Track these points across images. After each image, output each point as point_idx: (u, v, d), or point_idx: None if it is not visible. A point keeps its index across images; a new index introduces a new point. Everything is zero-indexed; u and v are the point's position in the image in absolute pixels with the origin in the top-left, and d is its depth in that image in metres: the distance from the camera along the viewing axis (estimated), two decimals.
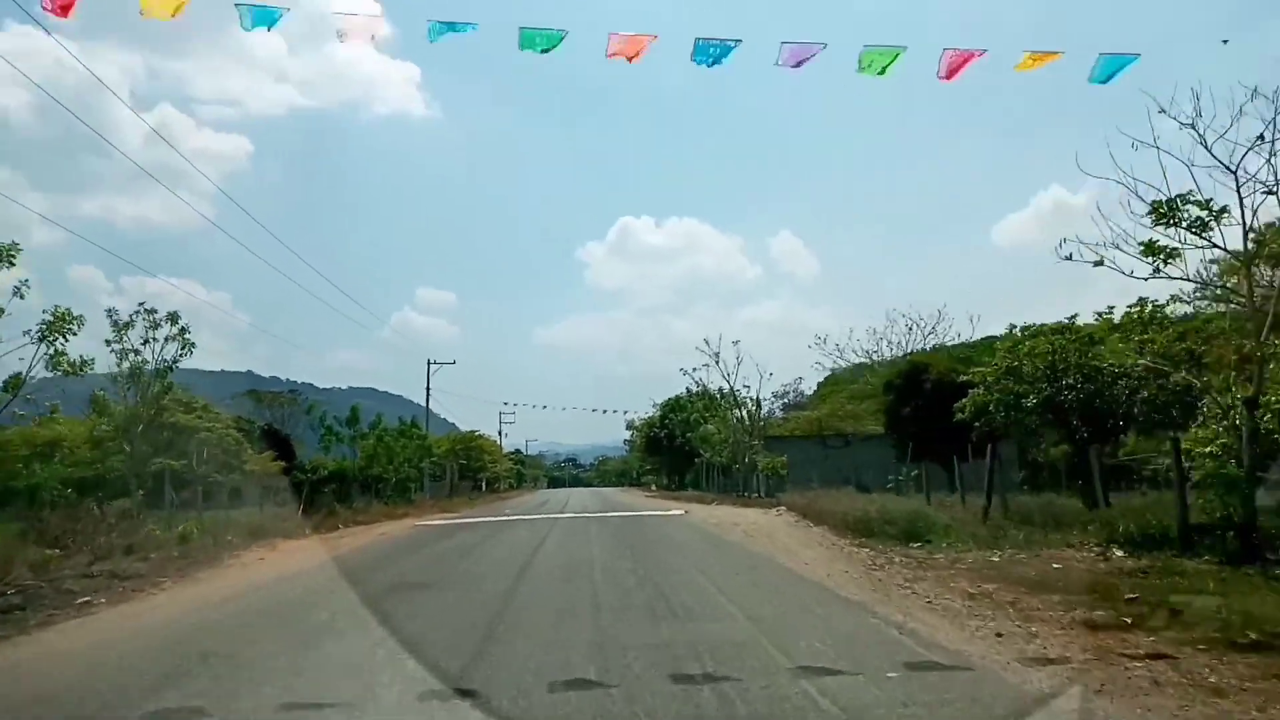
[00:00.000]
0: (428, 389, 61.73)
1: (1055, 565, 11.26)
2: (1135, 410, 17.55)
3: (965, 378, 20.69)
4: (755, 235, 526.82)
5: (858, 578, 10.93)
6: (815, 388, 74.95)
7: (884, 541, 14.98)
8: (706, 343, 39.00)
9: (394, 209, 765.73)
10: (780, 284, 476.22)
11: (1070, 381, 17.64)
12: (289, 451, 47.17)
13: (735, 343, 39.07)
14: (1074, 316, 18.42)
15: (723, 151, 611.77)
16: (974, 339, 47.00)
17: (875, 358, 49.97)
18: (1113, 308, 18.24)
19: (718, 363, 38.82)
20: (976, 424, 19.35)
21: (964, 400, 19.35)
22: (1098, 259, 12.60)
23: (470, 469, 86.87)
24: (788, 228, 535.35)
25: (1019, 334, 19.28)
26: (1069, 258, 12.95)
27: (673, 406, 64.23)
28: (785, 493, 34.60)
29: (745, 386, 39.32)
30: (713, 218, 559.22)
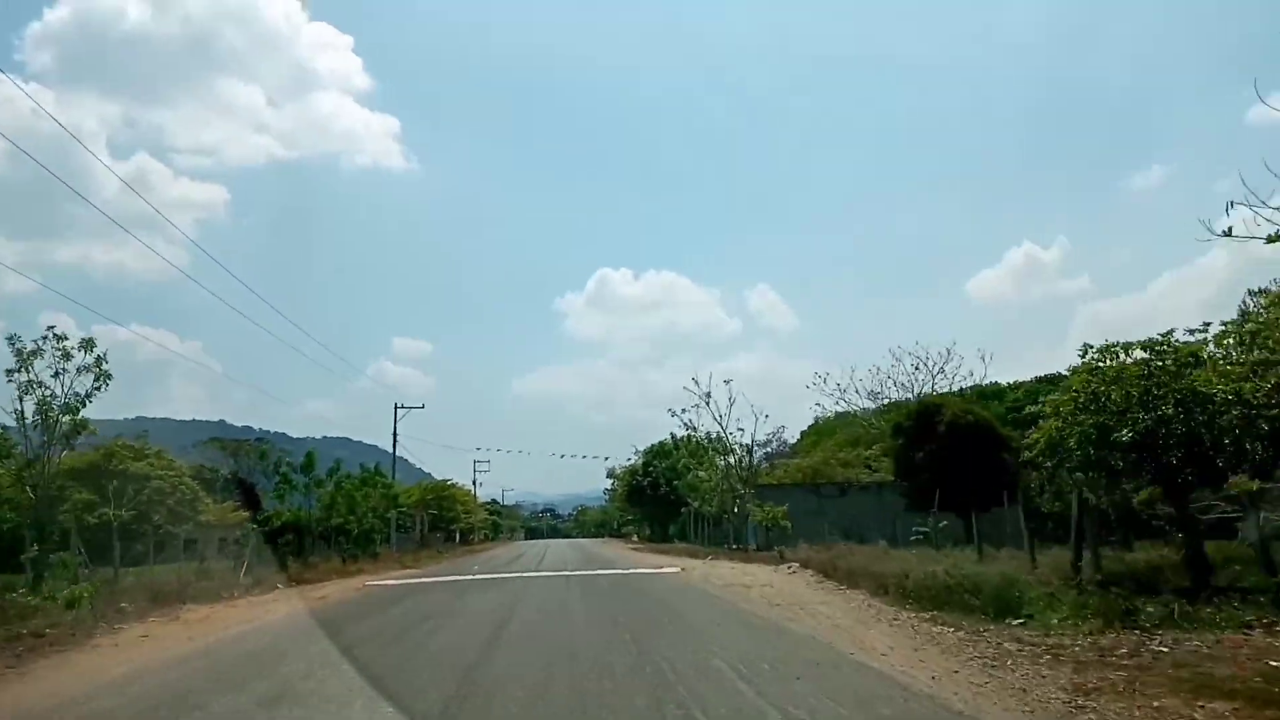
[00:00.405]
0: (395, 434, 57.46)
1: (1273, 662, 7.52)
2: (1248, 445, 14.07)
3: (1034, 408, 17.17)
4: (733, 288, 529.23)
5: (985, 686, 7.12)
6: (799, 436, 71.52)
7: (963, 615, 11.17)
8: (696, 382, 35.30)
9: (371, 259, 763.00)
10: (759, 337, 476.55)
11: (1168, 411, 14.11)
12: (255, 501, 43.21)
13: (728, 382, 35.40)
14: (1169, 332, 14.89)
15: (701, 205, 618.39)
16: (985, 381, 43.62)
17: (879, 399, 46.01)
18: (1208, 324, 14.89)
19: (708, 403, 35.14)
20: (1047, 464, 15.73)
21: (1034, 434, 15.72)
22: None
23: (443, 520, 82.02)
24: (765, 281, 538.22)
25: (1093, 355, 15.72)
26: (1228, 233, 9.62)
27: (657, 453, 60.21)
28: (787, 546, 30.78)
29: (739, 429, 35.63)
30: (690, 271, 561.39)
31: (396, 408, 57.17)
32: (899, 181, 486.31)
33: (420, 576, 25.32)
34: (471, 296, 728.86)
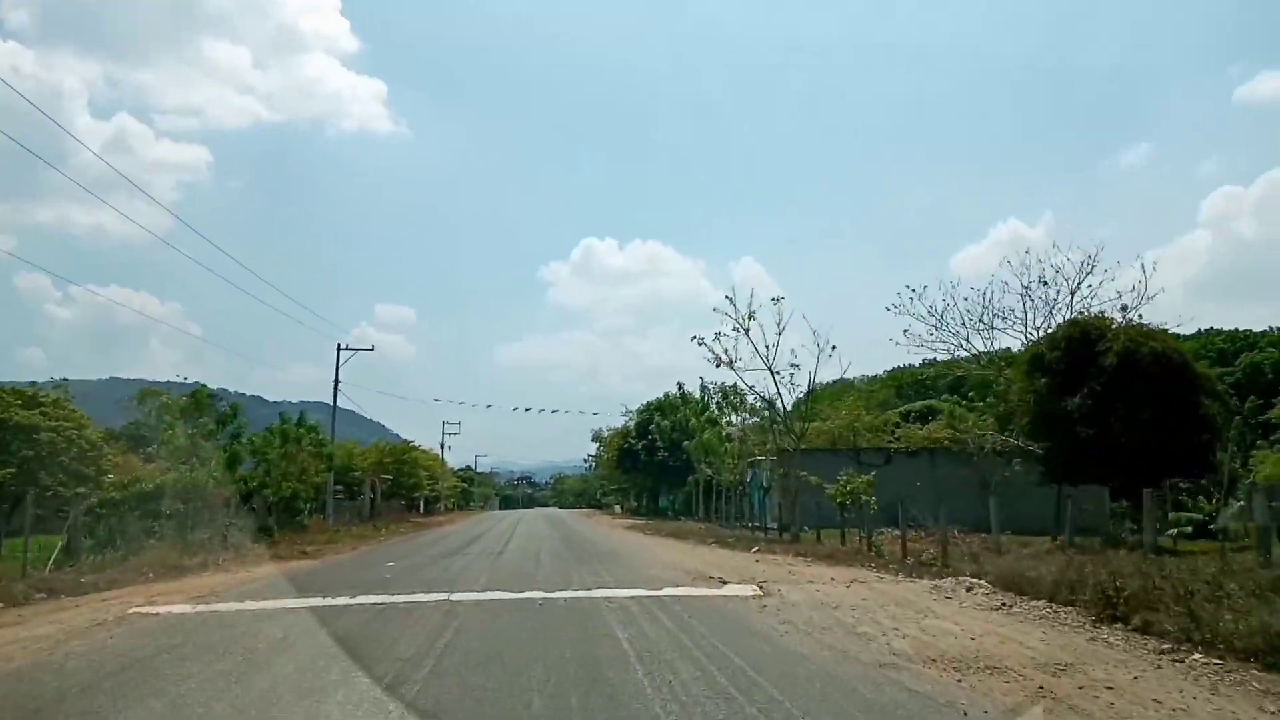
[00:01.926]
0: (336, 381, 46.26)
1: None
2: None
3: None
4: (718, 260, 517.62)
5: None
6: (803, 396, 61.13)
7: None
8: (732, 301, 24.20)
9: (356, 224, 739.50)
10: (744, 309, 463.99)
11: None
12: None
13: (778, 300, 24.40)
14: None
15: (687, 176, 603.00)
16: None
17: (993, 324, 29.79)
18: None
19: (747, 330, 24.27)
20: None
21: None
22: None
23: (403, 486, 70.97)
24: (750, 254, 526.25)
25: None
26: None
27: (657, 408, 49.67)
28: (864, 529, 20.63)
29: (792, 365, 24.70)
30: (675, 241, 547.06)
31: (340, 349, 46.00)
32: (887, 159, 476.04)
33: (291, 574, 14.69)
34: (456, 263, 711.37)
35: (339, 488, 56.57)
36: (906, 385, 59.16)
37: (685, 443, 38.98)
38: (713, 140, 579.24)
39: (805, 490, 29.20)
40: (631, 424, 52.91)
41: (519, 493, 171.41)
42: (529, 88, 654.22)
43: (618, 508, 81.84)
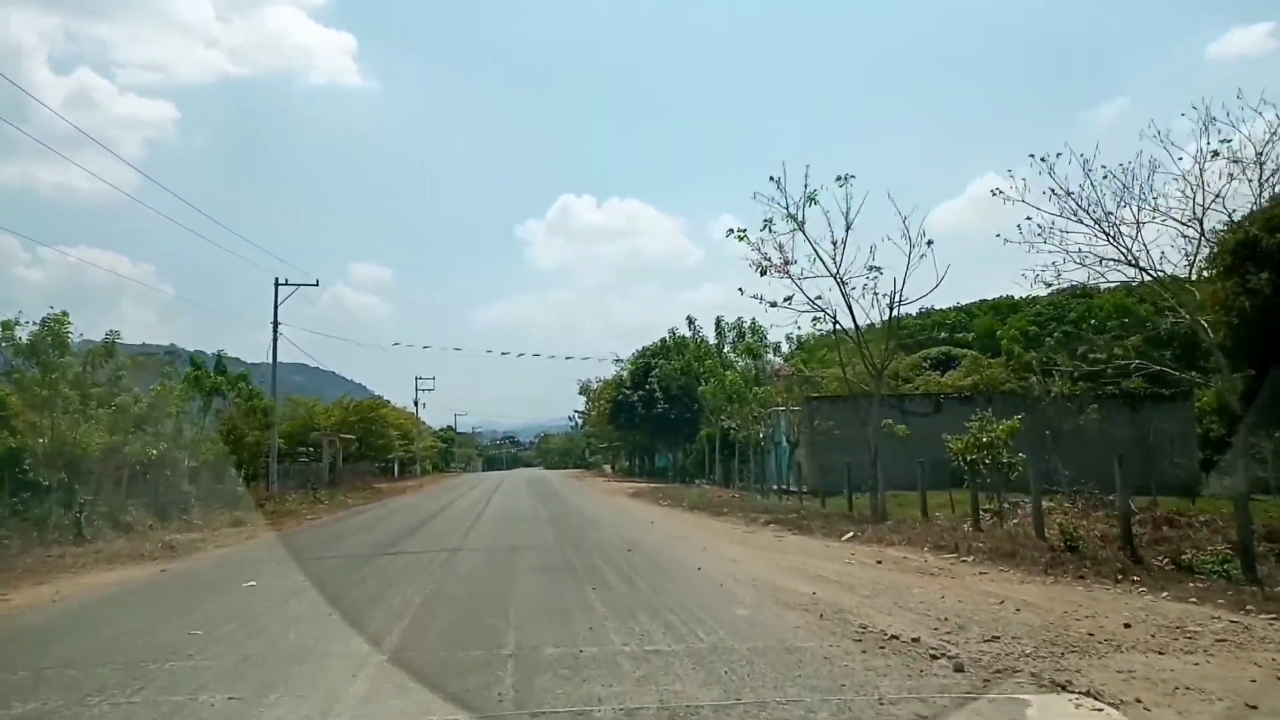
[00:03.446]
0: (275, 323, 38.36)
1: None
2: None
3: None
4: (697, 219, 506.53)
5: None
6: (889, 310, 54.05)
7: None
8: (777, 184, 16.10)
9: (329, 181, 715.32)
10: (724, 268, 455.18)
11: None
12: None
13: (844, 180, 16.44)
14: None
15: (664, 134, 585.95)
16: None
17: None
18: None
19: (802, 227, 16.37)
20: None
21: None
22: None
23: (371, 447, 63.20)
24: (728, 211, 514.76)
25: None
26: None
27: (656, 353, 42.10)
28: (1006, 491, 13.50)
29: (873, 269, 16.53)
30: (655, 199, 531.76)
31: (277, 284, 37.98)
32: (864, 116, 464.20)
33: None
34: (431, 222, 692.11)
35: (303, 450, 48.78)
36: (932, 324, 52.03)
37: (700, 388, 31.48)
38: (688, 97, 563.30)
39: (832, 444, 22.57)
40: (625, 373, 45.40)
41: (503, 453, 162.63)
42: (502, 41, 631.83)
43: (608, 467, 74.53)
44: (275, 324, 37.82)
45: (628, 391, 43.25)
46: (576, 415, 72.98)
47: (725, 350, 37.85)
